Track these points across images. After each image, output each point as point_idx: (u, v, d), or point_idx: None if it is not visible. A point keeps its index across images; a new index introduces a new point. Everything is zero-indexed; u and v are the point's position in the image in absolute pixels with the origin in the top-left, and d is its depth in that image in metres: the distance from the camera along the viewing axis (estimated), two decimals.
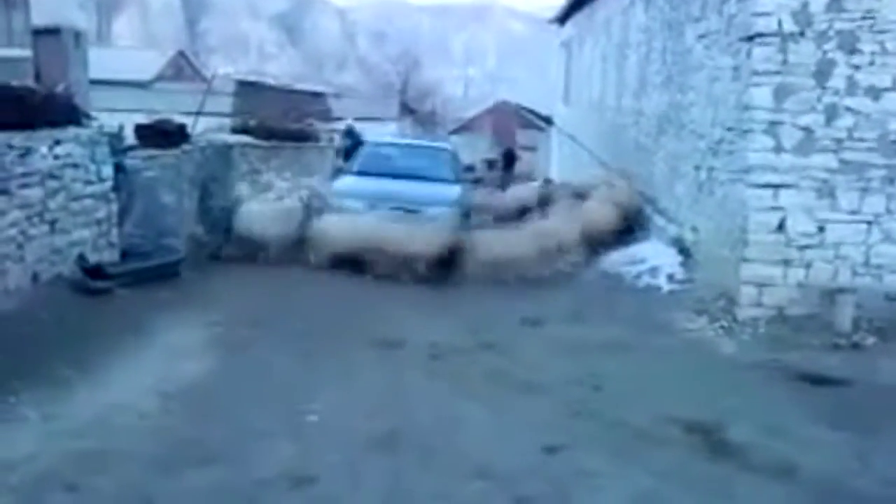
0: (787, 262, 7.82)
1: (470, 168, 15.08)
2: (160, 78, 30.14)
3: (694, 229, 9.63)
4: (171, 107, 20.53)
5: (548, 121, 32.37)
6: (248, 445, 4.95)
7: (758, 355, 7.26)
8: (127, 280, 8.08)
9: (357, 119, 27.81)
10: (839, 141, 7.69)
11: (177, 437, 4.99)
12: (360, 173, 12.74)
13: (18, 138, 6.98)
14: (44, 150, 7.32)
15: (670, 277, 9.35)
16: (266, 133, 16.14)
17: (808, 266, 7.82)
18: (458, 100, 45.34)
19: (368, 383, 6.25)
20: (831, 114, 7.68)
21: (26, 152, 7.05)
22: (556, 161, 27.19)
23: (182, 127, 11.63)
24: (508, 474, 4.77)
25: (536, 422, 5.63)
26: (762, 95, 7.80)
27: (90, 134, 8.30)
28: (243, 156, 13.76)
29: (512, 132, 34.94)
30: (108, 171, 8.54)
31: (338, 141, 16.41)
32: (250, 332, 7.33)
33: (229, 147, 13.35)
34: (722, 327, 7.92)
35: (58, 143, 7.60)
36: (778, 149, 7.76)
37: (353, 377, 6.39)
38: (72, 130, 8.03)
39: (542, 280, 9.92)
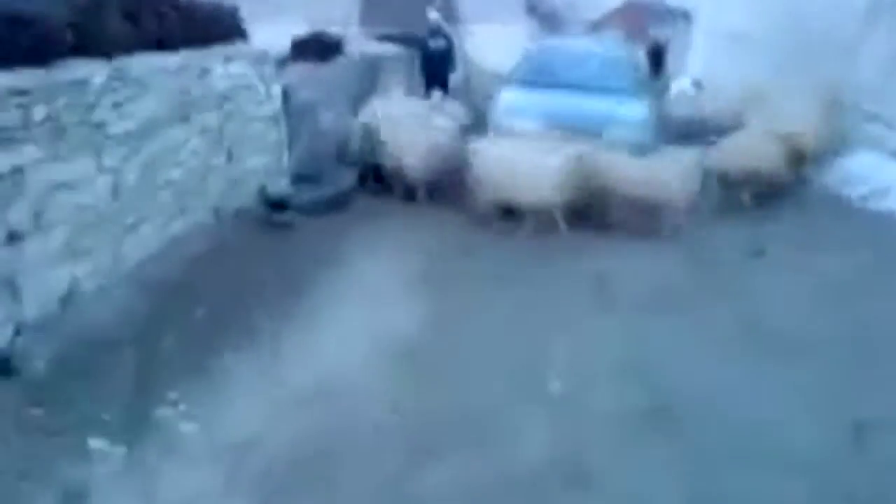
0: None
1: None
2: None
3: None
4: (294, 15, 19.80)
5: (684, 15, 30.12)
6: (498, 422, 4.22)
7: None
8: (306, 211, 7.42)
9: (476, 21, 26.28)
10: None
11: (419, 412, 4.29)
12: (526, 85, 10.43)
13: (195, 57, 6.25)
14: (219, 69, 6.60)
15: None
16: (406, 41, 15.13)
17: None
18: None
19: (599, 336, 5.43)
20: None
21: (203, 72, 6.34)
22: (700, 59, 25.19)
23: (339, 39, 10.86)
24: (826, 465, 3.90)
25: (821, 391, 4.69)
26: None
27: (257, 51, 7.53)
28: (392, 69, 12.86)
29: (644, 29, 32.40)
30: (276, 90, 7.79)
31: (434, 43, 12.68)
32: (443, 267, 6.58)
33: (379, 59, 12.48)
34: None
35: (229, 60, 6.86)
36: None
37: (577, 327, 5.56)
38: (240, 47, 7.27)
39: (750, 206, 8.63)
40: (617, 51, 11.89)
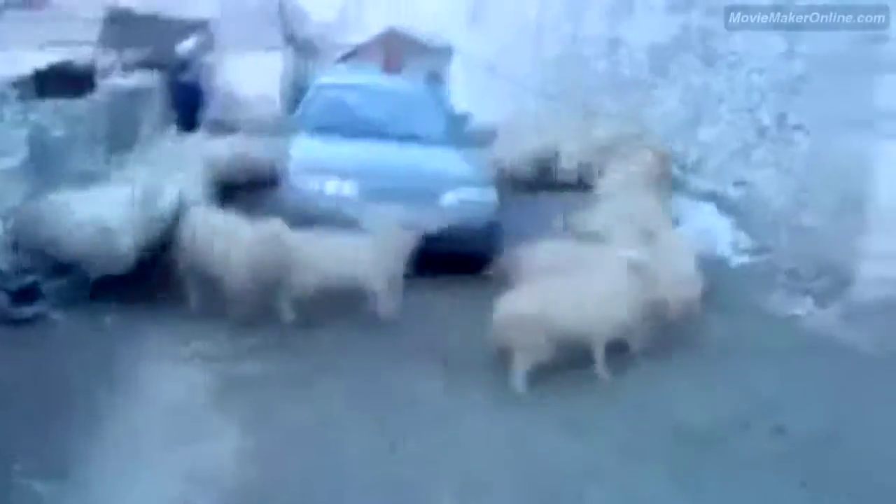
0: None
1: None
2: (6, 6, 25.76)
3: (742, 185, 8.11)
4: (24, 39, 17.29)
5: (442, 48, 30.20)
6: None
7: None
8: (63, 300, 5.63)
9: (233, 49, 24.55)
10: None
11: None
12: (321, 132, 8.11)
13: None
14: None
15: (734, 246, 7.79)
16: (155, 69, 13.28)
17: None
18: (330, 26, 41.69)
19: (471, 437, 4.40)
20: None
21: None
22: (459, 94, 25.16)
23: (91, 70, 9.10)
24: None
25: None
26: None
27: None
28: (150, 104, 11.10)
29: (401, 61, 32.00)
30: (21, 135, 6.06)
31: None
32: (248, 366, 5.17)
33: (137, 92, 10.70)
34: (839, 313, 6.47)
35: None
36: None
37: (443, 429, 4.51)
38: None
39: None
40: (424, 87, 10.31)
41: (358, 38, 37.88)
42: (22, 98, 6.43)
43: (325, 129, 8.21)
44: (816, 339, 6.17)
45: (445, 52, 29.55)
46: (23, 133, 6.07)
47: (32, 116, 6.71)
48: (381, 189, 6.95)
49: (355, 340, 5.66)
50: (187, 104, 11.27)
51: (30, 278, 5.54)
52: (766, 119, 7.77)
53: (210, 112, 12.94)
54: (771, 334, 6.22)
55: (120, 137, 9.02)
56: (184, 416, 4.44)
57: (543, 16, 15.85)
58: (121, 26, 20.01)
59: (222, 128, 12.05)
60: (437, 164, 7.82)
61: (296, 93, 28.26)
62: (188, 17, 23.48)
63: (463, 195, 7.30)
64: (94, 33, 19.07)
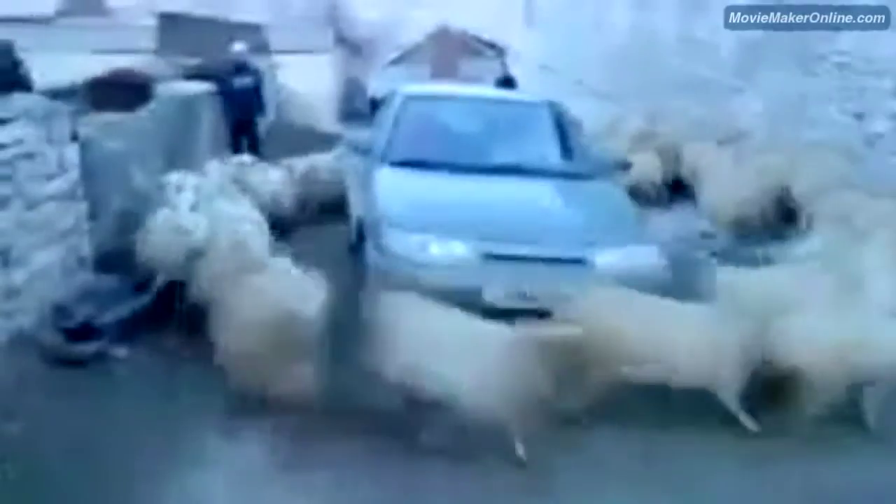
0: None
1: None
2: (63, 13, 25.86)
3: None
4: (79, 45, 17.24)
5: (496, 48, 29.63)
6: None
7: None
8: (120, 333, 5.12)
9: (285, 52, 24.10)
10: None
11: None
12: (413, 165, 5.88)
13: None
14: None
15: None
16: (209, 76, 12.82)
17: None
18: (376, 25, 41.40)
19: None
20: None
21: None
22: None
23: (148, 78, 8.68)
24: None
25: None
26: None
27: (44, 104, 5.33)
28: (208, 114, 10.63)
29: (455, 63, 31.46)
30: (72, 155, 5.60)
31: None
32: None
33: (193, 100, 10.25)
34: None
35: (2, 122, 4.69)
36: None
37: None
38: (18, 99, 5.09)
39: None
40: (540, 102, 7.32)
41: (407, 38, 37.14)
42: (75, 111, 5.94)
43: (418, 160, 5.97)
44: None
45: (500, 53, 28.88)
46: (74, 153, 5.58)
47: (84, 131, 6.25)
48: (507, 253, 4.91)
49: None
50: (243, 112, 10.82)
51: (90, 311, 5.05)
52: (880, 126, 7.04)
53: (267, 117, 12.57)
54: None
55: (179, 151, 8.62)
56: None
57: (604, 12, 15.22)
58: (176, 31, 19.80)
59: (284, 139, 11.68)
60: (582, 210, 5.67)
61: (349, 96, 27.67)
62: (240, 21, 23.23)
63: (624, 256, 5.05)
64: (149, 40, 18.90)
